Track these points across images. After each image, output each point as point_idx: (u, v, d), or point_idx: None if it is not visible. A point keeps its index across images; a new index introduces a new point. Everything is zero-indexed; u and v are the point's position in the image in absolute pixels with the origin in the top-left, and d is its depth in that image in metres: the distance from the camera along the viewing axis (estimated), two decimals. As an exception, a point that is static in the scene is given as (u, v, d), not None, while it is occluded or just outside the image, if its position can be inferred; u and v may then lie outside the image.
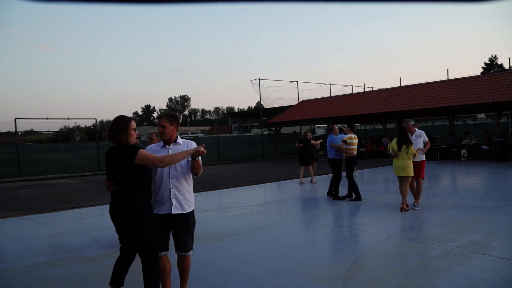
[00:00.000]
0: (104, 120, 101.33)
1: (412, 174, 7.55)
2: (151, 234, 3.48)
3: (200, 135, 61.61)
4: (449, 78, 22.16)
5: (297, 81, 30.41)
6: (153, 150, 3.64)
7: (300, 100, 29.78)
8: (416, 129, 8.05)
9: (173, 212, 3.55)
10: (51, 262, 5.24)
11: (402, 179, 7.63)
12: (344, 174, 9.38)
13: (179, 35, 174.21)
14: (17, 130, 18.81)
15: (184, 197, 3.62)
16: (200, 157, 3.55)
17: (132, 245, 3.55)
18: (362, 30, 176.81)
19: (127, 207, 3.42)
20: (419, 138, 7.93)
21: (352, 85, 34.71)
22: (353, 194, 8.99)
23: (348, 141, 9.10)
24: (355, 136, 9.34)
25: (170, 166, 3.50)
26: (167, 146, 3.62)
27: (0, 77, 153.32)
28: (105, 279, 4.49)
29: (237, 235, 6.29)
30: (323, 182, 12.49)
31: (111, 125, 3.51)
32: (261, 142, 27.32)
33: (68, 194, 12.51)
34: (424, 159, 7.96)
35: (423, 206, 7.82)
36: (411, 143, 7.53)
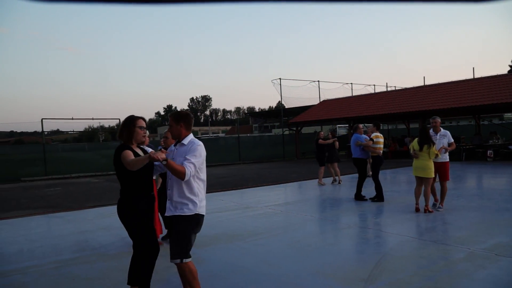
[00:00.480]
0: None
1: (432, 175, 7.32)
2: (137, 235, 3.56)
3: (221, 135, 61.95)
4: (475, 77, 21.63)
5: (318, 81, 30.27)
6: (170, 150, 3.66)
7: (321, 100, 29.60)
8: (441, 128, 7.84)
9: (165, 214, 3.51)
10: (76, 259, 5.36)
11: (421, 181, 7.43)
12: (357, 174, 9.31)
13: (200, 35, 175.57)
14: (44, 130, 19.32)
15: (176, 199, 3.41)
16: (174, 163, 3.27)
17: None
18: (384, 29, 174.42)
19: (119, 206, 3.60)
20: (444, 138, 7.65)
21: (374, 85, 34.31)
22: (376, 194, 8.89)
23: (375, 140, 8.99)
24: (381, 135, 9.23)
25: None
26: (175, 146, 3.59)
27: (27, 78, 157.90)
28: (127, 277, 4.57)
29: (257, 235, 6.30)
30: (341, 183, 12.38)
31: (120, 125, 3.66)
32: (282, 142, 27.28)
33: (92, 192, 12.78)
34: (447, 160, 7.67)
35: (448, 207, 7.66)
36: (433, 143, 7.31)
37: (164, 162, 3.22)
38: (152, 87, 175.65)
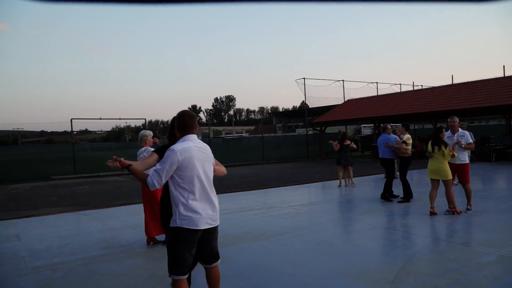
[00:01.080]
0: (153, 120, 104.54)
1: (449, 177, 7.03)
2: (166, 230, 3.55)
3: (244, 134, 62.12)
4: (505, 75, 20.98)
5: (342, 80, 29.97)
6: None
7: (345, 100, 29.31)
8: (460, 129, 7.57)
9: None
10: (104, 256, 5.49)
11: (437, 183, 7.17)
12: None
13: (224, 35, 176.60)
14: (73, 130, 19.80)
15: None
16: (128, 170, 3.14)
17: None
18: (410, 27, 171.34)
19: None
20: (461, 139, 7.32)
21: (400, 84, 33.73)
22: (401, 194, 8.78)
23: (407, 141, 8.89)
24: (410, 136, 9.14)
25: None
26: None
27: (58, 80, 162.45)
28: (154, 273, 4.67)
29: (282, 234, 6.30)
30: (366, 183, 12.23)
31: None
32: (306, 142, 27.14)
33: (119, 191, 13.03)
34: (467, 162, 7.34)
35: (476, 209, 7.45)
36: (445, 145, 7.03)
37: (126, 170, 3.12)
38: (177, 87, 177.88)
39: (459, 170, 7.28)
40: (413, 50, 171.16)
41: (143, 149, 5.91)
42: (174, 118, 3.38)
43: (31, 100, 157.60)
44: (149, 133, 6.07)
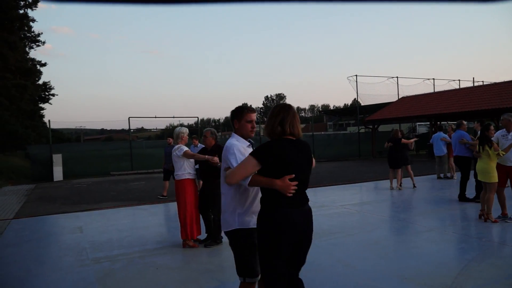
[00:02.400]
0: (205, 118, 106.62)
1: (493, 180, 6.46)
2: None
3: (295, 133, 61.80)
4: None
5: (396, 77, 29.04)
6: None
7: (400, 97, 28.36)
8: None
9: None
10: (159, 250, 5.71)
11: (485, 185, 6.68)
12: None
13: (275, 33, 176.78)
14: (130, 128, 20.65)
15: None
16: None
17: None
18: (470, 21, 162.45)
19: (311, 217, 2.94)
20: None
21: (459, 80, 32.16)
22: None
23: None
24: None
25: None
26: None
27: (116, 80, 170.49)
28: (206, 268, 4.79)
29: (333, 234, 6.23)
30: (421, 183, 11.78)
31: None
32: (358, 140, 26.59)
33: (173, 187, 13.43)
34: None
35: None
36: (490, 144, 6.49)
37: None
38: (229, 85, 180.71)
39: (511, 172, 6.71)
40: (473, 45, 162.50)
41: (176, 146, 5.77)
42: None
43: (92, 100, 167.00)
44: (186, 130, 5.93)
